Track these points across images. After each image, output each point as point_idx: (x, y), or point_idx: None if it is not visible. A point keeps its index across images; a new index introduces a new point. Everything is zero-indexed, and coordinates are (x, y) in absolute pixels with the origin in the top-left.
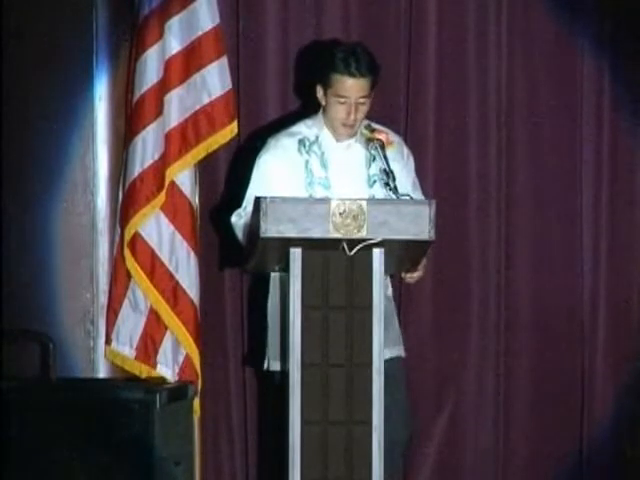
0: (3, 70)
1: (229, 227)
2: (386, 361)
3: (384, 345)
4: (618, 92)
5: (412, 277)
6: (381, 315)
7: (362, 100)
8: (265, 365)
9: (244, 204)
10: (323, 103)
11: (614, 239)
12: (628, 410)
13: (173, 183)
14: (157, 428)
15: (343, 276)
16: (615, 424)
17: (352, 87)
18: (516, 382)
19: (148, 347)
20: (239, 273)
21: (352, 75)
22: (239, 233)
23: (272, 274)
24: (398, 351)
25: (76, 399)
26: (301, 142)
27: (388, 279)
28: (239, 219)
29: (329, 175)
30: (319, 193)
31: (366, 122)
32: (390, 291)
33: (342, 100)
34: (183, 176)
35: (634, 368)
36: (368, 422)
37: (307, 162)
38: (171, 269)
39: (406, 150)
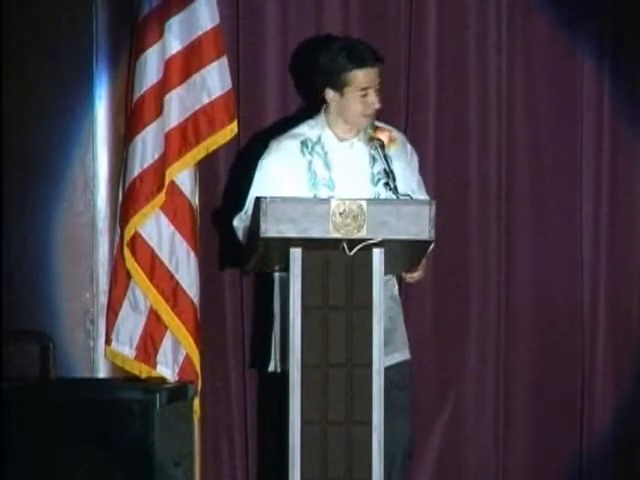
0: (3, 70)
1: (230, 229)
2: (396, 365)
3: (394, 348)
4: (618, 92)
5: (412, 277)
6: (381, 315)
7: (379, 86)
8: (271, 367)
9: (246, 207)
10: (333, 104)
11: (614, 239)
12: (628, 410)
13: (173, 183)
14: (157, 428)
15: (343, 276)
16: (615, 424)
17: (373, 76)
18: (516, 382)
19: (148, 347)
20: (239, 273)
21: (371, 65)
22: (241, 236)
23: (276, 275)
24: (406, 354)
25: (76, 399)
26: (304, 143)
27: (394, 279)
28: (241, 222)
29: (333, 175)
30: (323, 193)
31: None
32: (396, 289)
33: (364, 92)
34: (183, 176)
35: (634, 369)
36: (368, 422)
37: (310, 163)
38: (171, 269)
39: (410, 148)
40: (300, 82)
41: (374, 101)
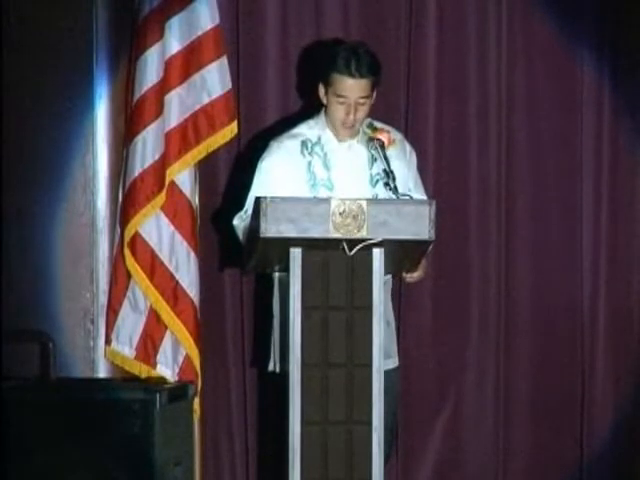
0: (3, 70)
1: (230, 229)
2: (389, 371)
3: (388, 354)
4: (618, 92)
5: (412, 277)
6: (381, 315)
7: (362, 100)
8: (270, 366)
9: (246, 207)
10: (324, 102)
11: (614, 239)
12: (628, 411)
13: (173, 183)
14: (157, 428)
15: (343, 276)
16: (615, 424)
17: (352, 87)
18: (516, 382)
19: (148, 347)
20: (239, 273)
21: (352, 75)
22: (241, 236)
23: (276, 275)
24: (397, 362)
25: (76, 399)
26: (304, 143)
27: (391, 281)
28: (241, 222)
29: (332, 176)
30: (322, 194)
31: (368, 120)
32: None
33: (341, 100)
34: (183, 176)
35: (634, 369)
36: (368, 422)
37: (310, 163)
38: (171, 269)
39: (408, 147)
40: (300, 82)
41: (349, 111)
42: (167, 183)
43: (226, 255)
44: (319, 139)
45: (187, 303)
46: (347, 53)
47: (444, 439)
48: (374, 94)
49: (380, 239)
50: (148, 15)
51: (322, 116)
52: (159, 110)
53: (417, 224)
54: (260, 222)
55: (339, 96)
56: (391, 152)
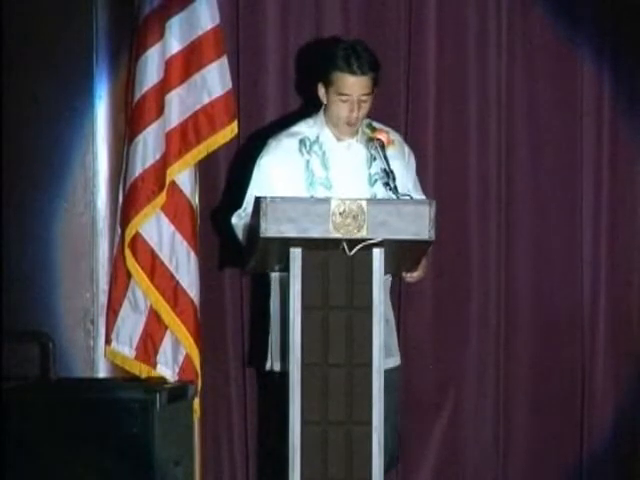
0: (3, 70)
1: (229, 228)
2: (389, 370)
3: (389, 353)
4: (618, 92)
5: (412, 277)
6: (381, 315)
7: (364, 98)
8: (268, 365)
9: (244, 205)
10: (324, 101)
11: (614, 239)
12: (628, 410)
13: (173, 183)
14: (157, 428)
15: (343, 276)
16: (615, 424)
17: (354, 85)
18: (516, 382)
19: (148, 347)
20: (239, 273)
21: (354, 73)
22: (240, 234)
23: (273, 275)
24: (398, 360)
25: (76, 399)
26: (302, 142)
27: (390, 281)
28: (239, 220)
29: (330, 175)
30: (320, 193)
31: (367, 121)
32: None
33: (344, 98)
34: (183, 176)
35: (634, 369)
36: (368, 422)
37: (308, 162)
38: (171, 269)
39: (407, 149)
40: (300, 81)
41: (353, 109)
42: (167, 183)
43: (226, 255)
44: (317, 138)
45: (187, 303)
46: (346, 51)
47: (444, 439)
48: (375, 91)
49: (380, 239)
50: (148, 15)
51: (321, 115)
52: (159, 110)
53: (417, 224)
54: (260, 222)
55: (342, 94)
56: (390, 152)
